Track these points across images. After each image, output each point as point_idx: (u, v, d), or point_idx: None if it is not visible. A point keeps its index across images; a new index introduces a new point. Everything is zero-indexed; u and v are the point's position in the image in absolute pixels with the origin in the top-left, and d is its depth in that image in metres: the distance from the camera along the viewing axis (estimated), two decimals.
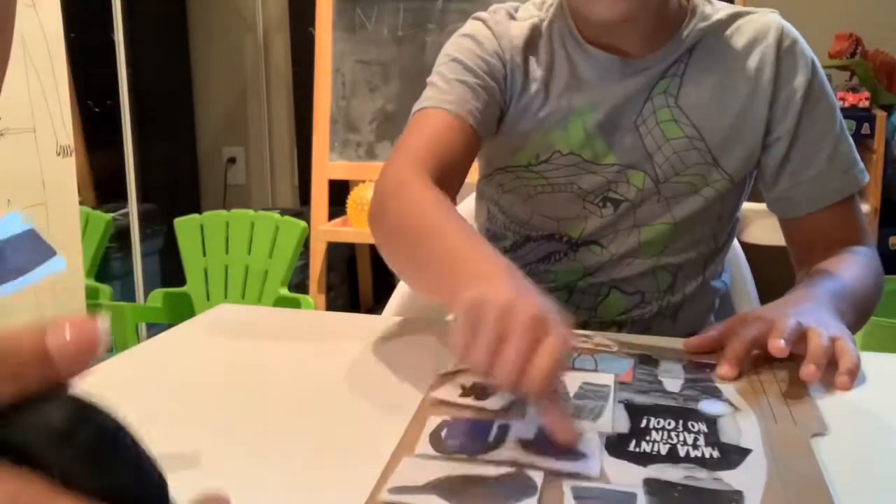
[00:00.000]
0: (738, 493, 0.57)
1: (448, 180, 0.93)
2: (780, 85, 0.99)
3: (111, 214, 2.50)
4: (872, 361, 0.88)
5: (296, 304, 2.18)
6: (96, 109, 3.14)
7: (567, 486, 0.56)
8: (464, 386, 0.73)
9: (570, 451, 0.61)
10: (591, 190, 1.01)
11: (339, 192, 2.71)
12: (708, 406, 0.72)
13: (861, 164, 1.02)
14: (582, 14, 0.98)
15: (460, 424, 0.65)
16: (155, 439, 0.67)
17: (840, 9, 2.82)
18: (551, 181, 1.02)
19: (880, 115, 2.48)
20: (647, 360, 0.81)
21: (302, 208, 3.14)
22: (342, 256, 3.08)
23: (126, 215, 2.61)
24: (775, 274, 2.17)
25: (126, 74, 2.46)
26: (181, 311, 2.22)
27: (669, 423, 0.67)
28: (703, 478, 0.60)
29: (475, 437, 0.63)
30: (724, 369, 0.77)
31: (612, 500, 0.55)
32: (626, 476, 0.59)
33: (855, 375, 0.77)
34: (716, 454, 0.63)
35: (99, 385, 0.88)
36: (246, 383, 0.81)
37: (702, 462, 0.62)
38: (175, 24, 3.45)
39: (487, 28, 1.03)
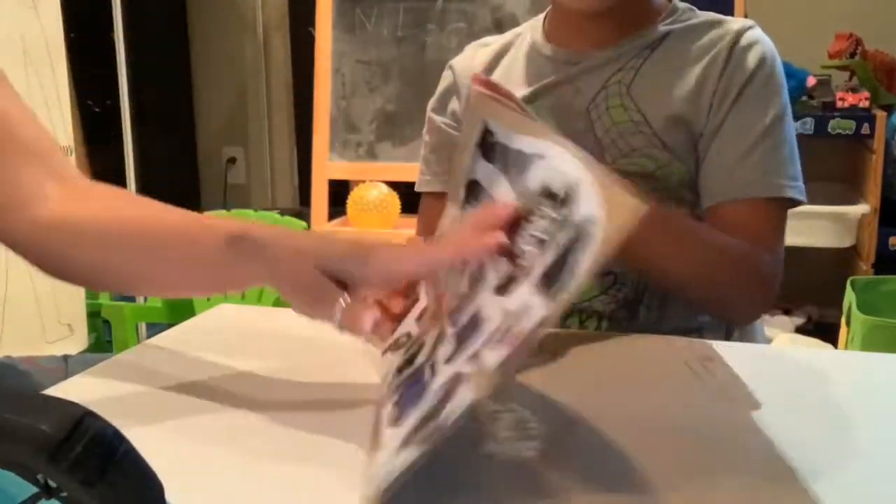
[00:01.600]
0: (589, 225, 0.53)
1: None
2: (724, 77, 1.02)
3: None
4: (872, 361, 0.88)
5: None
6: (96, 109, 3.14)
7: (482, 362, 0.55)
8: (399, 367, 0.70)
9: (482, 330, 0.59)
10: None
11: (339, 192, 2.71)
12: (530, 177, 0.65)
13: (791, 181, 0.99)
14: (561, 6, 1.08)
15: (409, 398, 0.61)
16: (154, 439, 0.67)
17: (840, 9, 2.82)
18: None
19: (880, 115, 2.48)
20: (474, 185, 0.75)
21: (302, 208, 3.14)
22: None
23: None
24: None
25: (126, 74, 2.46)
26: (181, 311, 2.21)
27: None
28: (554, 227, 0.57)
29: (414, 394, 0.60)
30: None
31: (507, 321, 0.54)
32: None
33: None
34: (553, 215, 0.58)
35: (99, 385, 0.88)
36: (246, 383, 0.82)
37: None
38: (175, 24, 3.45)
39: (451, 71, 1.17)
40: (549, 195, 0.59)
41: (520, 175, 0.66)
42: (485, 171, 0.74)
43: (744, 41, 1.03)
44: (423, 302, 0.79)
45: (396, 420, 0.60)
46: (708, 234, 0.98)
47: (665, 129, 1.02)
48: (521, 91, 1.09)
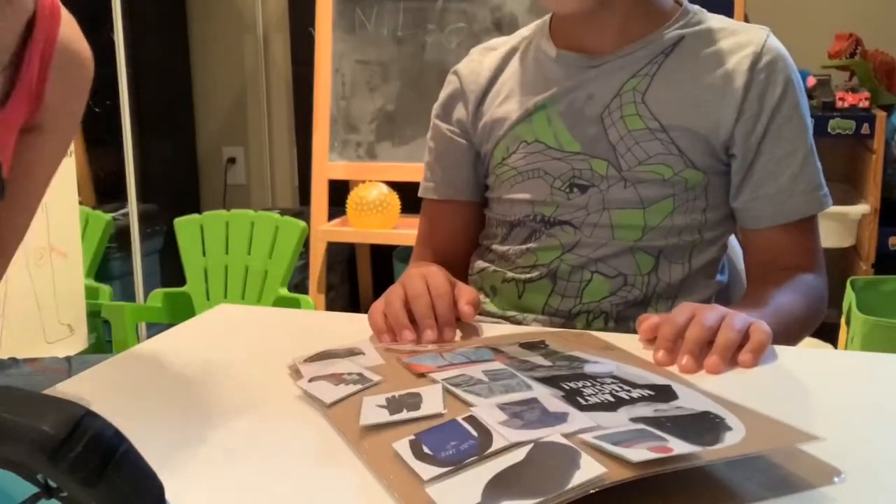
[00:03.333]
0: (714, 413, 0.62)
1: (451, 252, 1.16)
2: (752, 97, 1.01)
3: (111, 214, 2.50)
4: (872, 361, 0.88)
5: (296, 304, 2.18)
6: (96, 109, 3.14)
7: (588, 437, 0.58)
8: (388, 399, 0.70)
9: (552, 416, 0.63)
10: (557, 175, 1.07)
11: (339, 192, 2.71)
12: (596, 367, 0.75)
13: (826, 189, 1.05)
14: (544, 8, 1.09)
15: (434, 436, 0.63)
16: (154, 439, 0.67)
17: (840, 9, 2.82)
18: (521, 170, 1.09)
19: (880, 115, 2.48)
20: (494, 349, 0.83)
21: (302, 208, 3.14)
22: (342, 256, 3.08)
23: (126, 215, 2.61)
24: None
25: (126, 74, 2.46)
26: (181, 311, 2.21)
27: (585, 384, 0.70)
28: (668, 408, 0.63)
29: (459, 440, 0.61)
30: (661, 355, 0.82)
31: (626, 438, 0.57)
32: (613, 421, 0.61)
33: (758, 354, 0.81)
34: (649, 392, 0.68)
35: (99, 385, 0.88)
36: (246, 383, 0.82)
37: (649, 399, 0.66)
38: (175, 24, 3.45)
39: (457, 76, 1.16)
40: (625, 382, 0.71)
41: (564, 361, 0.78)
42: (515, 350, 0.82)
43: (766, 56, 1.02)
44: (371, 358, 0.82)
45: (433, 459, 0.59)
46: (790, 314, 0.98)
47: (681, 137, 1.02)
48: (532, 97, 1.08)
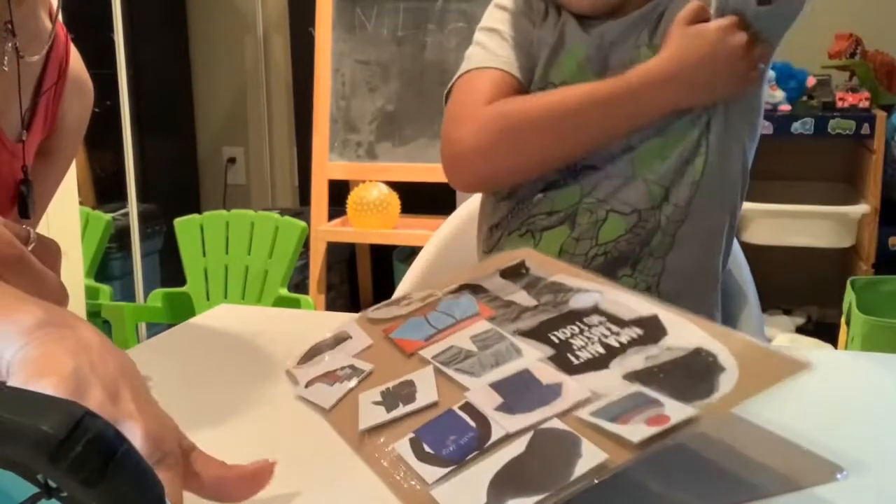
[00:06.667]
0: (705, 351, 0.60)
1: None
2: None
3: (111, 214, 2.50)
4: (872, 361, 0.88)
5: (296, 304, 2.18)
6: (96, 109, 3.13)
7: (585, 414, 0.57)
8: (383, 394, 0.69)
9: (546, 389, 0.62)
10: None
11: (339, 192, 2.71)
12: (580, 300, 0.73)
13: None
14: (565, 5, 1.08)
15: (433, 431, 0.62)
16: None
17: (840, 9, 2.81)
18: None
19: (880, 115, 2.48)
20: (477, 288, 0.81)
21: (302, 208, 3.14)
22: (342, 256, 3.08)
23: (126, 215, 2.61)
24: (775, 274, 2.16)
25: (126, 74, 2.46)
26: (181, 311, 2.22)
27: (573, 330, 0.69)
28: (658, 353, 0.62)
29: (459, 433, 0.61)
30: None
31: (622, 410, 0.56)
32: (606, 382, 0.60)
33: None
34: (638, 332, 0.66)
35: None
36: (246, 383, 0.82)
37: (639, 343, 0.64)
38: (175, 24, 3.45)
39: None
40: (612, 318, 0.69)
41: (549, 294, 0.76)
42: (497, 284, 0.80)
43: None
44: (359, 340, 0.80)
45: (437, 459, 0.59)
46: None
47: None
48: (557, 44, 1.08)
